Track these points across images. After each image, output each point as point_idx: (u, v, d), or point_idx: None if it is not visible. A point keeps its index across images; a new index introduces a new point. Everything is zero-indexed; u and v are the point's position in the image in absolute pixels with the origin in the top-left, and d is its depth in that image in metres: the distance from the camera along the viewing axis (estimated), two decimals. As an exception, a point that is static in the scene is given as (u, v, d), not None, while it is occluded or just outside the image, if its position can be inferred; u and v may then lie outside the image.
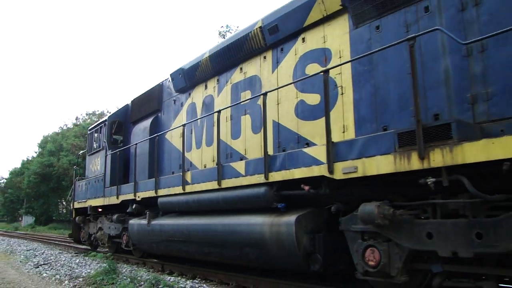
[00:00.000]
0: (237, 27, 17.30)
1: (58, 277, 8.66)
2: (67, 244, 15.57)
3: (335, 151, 4.73)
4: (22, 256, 13.23)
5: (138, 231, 9.06)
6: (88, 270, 9.01)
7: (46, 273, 9.38)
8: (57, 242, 17.22)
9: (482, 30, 4.10)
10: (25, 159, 55.95)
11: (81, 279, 8.06)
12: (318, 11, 5.73)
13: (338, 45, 5.54)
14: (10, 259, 12.65)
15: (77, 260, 10.74)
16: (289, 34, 6.22)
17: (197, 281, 7.07)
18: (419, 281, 4.52)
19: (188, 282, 6.91)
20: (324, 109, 4.89)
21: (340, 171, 4.63)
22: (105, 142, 11.02)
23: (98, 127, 11.74)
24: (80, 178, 12.94)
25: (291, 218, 5.22)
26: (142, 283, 6.91)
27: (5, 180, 62.73)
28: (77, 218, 12.78)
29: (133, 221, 9.28)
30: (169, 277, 7.40)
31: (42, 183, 40.20)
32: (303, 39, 6.06)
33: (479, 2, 4.20)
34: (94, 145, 11.98)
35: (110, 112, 34.29)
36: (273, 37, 6.47)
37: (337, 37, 5.57)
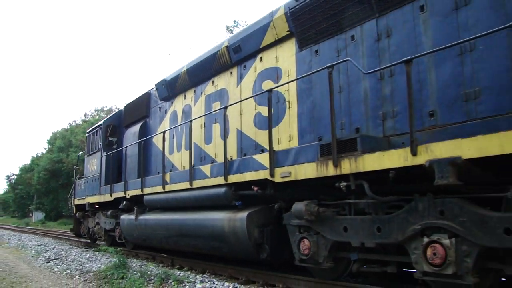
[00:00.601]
0: (245, 21, 17.42)
1: (69, 271, 8.81)
2: (77, 239, 15.48)
3: (275, 159, 5.62)
4: (33, 251, 13.44)
5: (127, 225, 10.04)
6: (99, 265, 9.06)
7: (57, 267, 9.53)
8: (67, 237, 17.31)
9: (391, 58, 4.93)
10: (35, 156, 56.63)
11: (91, 274, 8.18)
12: (271, 35, 6.59)
13: (287, 65, 6.41)
14: (21, 254, 12.98)
15: (87, 255, 10.85)
16: (250, 54, 7.10)
17: (206, 276, 7.11)
18: (343, 267, 5.39)
19: (197, 276, 6.94)
20: (268, 123, 5.77)
21: (279, 175, 5.52)
22: (100, 144, 12.03)
23: (95, 130, 12.75)
24: (80, 177, 13.99)
25: (244, 214, 6.12)
26: (152, 277, 6.96)
27: (15, 177, 63.66)
28: (77, 213, 13.85)
29: (124, 217, 10.26)
30: (178, 272, 7.38)
31: (51, 179, 40.83)
32: (261, 58, 6.94)
33: (390, 35, 5.03)
34: (91, 147, 13.00)
35: (117, 108, 35.14)
36: (237, 55, 7.35)
37: (286, 58, 6.43)
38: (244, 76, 7.29)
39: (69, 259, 10.49)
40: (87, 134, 13.82)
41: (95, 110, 51.03)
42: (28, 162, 58.17)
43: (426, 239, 4.10)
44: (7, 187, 72.49)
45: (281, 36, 6.45)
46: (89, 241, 13.99)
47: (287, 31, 6.30)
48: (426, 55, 4.40)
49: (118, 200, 10.68)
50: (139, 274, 7.23)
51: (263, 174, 5.78)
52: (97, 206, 12.27)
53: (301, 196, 5.48)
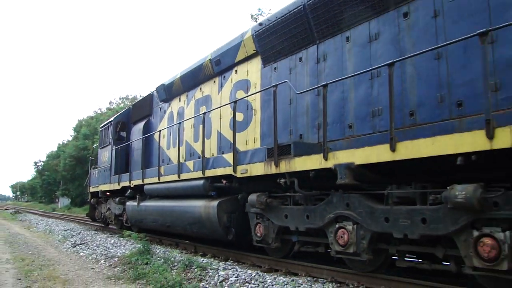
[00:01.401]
0: (270, 10, 17.96)
1: (95, 256, 9.00)
2: (102, 225, 15.72)
3: (238, 158, 6.86)
4: (60, 235, 13.83)
5: (132, 211, 11.52)
6: (123, 251, 9.14)
7: (83, 252, 9.76)
8: (92, 223, 17.41)
9: (326, 78, 6.04)
10: (61, 143, 57.88)
11: (116, 259, 8.29)
12: (242, 52, 7.78)
13: (254, 78, 7.59)
14: (49, 238, 13.40)
15: (112, 241, 10.97)
16: (227, 66, 8.31)
17: (229, 263, 7.16)
18: (288, 247, 6.61)
19: (220, 263, 6.98)
20: (233, 128, 7.01)
21: (240, 171, 6.77)
22: (111, 138, 13.53)
23: (107, 125, 14.27)
24: (95, 167, 15.62)
25: (215, 203, 7.41)
26: (175, 264, 7.04)
27: (42, 163, 65.64)
28: (92, 200, 15.52)
29: (129, 203, 11.75)
30: (201, 259, 7.39)
31: (77, 165, 41.13)
32: (236, 71, 8.14)
33: (325, 59, 6.14)
34: (104, 140, 14.56)
35: (141, 96, 36.10)
36: (218, 67, 8.57)
37: (254, 72, 7.61)
38: (224, 85, 8.52)
39: (95, 244, 10.70)
40: (100, 129, 15.41)
41: (120, 98, 51.96)
42: (55, 149, 59.57)
43: (337, 225, 5.28)
44: (35, 173, 75.57)
45: (249, 53, 7.63)
46: (102, 225, 15.66)
47: (254, 50, 7.47)
48: (348, 78, 5.51)
49: (125, 189, 12.17)
50: (162, 260, 7.34)
51: (229, 170, 7.04)
52: (108, 193, 13.84)
53: (258, 189, 6.71)
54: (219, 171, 7.36)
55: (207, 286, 5.68)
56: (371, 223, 4.86)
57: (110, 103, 52.55)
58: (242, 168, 6.71)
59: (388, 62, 4.57)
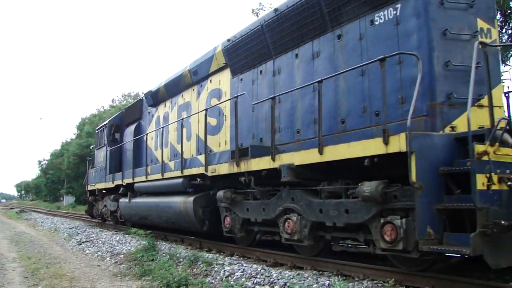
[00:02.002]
0: (271, 4, 17.39)
1: (100, 253, 9.04)
2: (107, 223, 15.72)
3: (209, 159, 7.81)
4: (65, 233, 13.92)
5: (124, 207, 12.51)
6: (129, 247, 9.12)
7: (88, 250, 9.82)
8: (97, 221, 17.18)
9: (280, 89, 6.94)
10: (64, 141, 57.58)
11: (122, 256, 8.33)
12: (215, 64, 8.71)
13: (225, 88, 8.52)
14: (54, 237, 13.52)
15: (118, 238, 11.00)
16: (203, 76, 9.24)
17: (235, 258, 7.18)
18: (251, 237, 7.55)
19: (226, 259, 7.01)
20: (204, 133, 7.95)
21: (210, 171, 7.72)
22: (105, 140, 14.53)
23: (102, 128, 15.27)
24: (92, 167, 16.64)
25: (191, 198, 8.36)
26: (181, 259, 7.07)
27: (46, 162, 65.89)
28: (90, 198, 16.55)
29: (122, 200, 12.74)
30: (207, 254, 7.46)
31: (81, 163, 40.75)
32: (210, 81, 9.07)
33: (280, 72, 7.06)
34: (100, 141, 15.56)
35: (143, 93, 36.72)
36: (195, 77, 9.51)
37: (225, 82, 8.54)
38: (201, 93, 9.45)
39: (100, 242, 10.73)
40: (96, 131, 16.42)
41: (122, 96, 52.37)
42: (59, 147, 59.22)
43: (285, 216, 6.22)
44: (39, 172, 75.82)
45: (221, 65, 8.55)
46: (100, 221, 16.69)
47: (224, 63, 8.40)
48: (297, 89, 6.42)
49: (119, 187, 13.15)
50: (168, 256, 7.37)
51: (201, 170, 8.00)
52: (104, 191, 14.86)
53: (226, 185, 7.65)
54: (194, 171, 8.31)
55: (213, 281, 5.70)
56: (310, 214, 5.79)
57: (112, 100, 52.98)
58: (212, 168, 7.67)
59: (317, 80, 5.49)
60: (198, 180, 8.23)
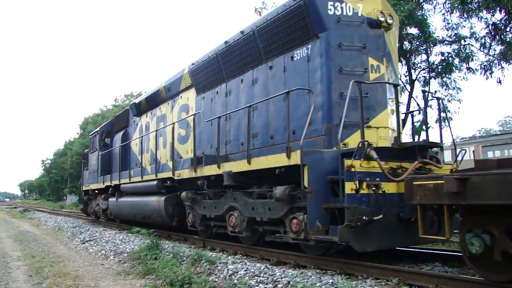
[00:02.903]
0: (274, 3, 17.00)
1: (104, 252, 9.09)
2: (110, 222, 15.70)
3: (175, 165, 9.25)
4: (69, 232, 13.96)
5: (113, 205, 13.98)
6: (132, 246, 9.19)
7: (92, 248, 9.83)
8: (100, 220, 17.22)
9: (230, 108, 8.33)
10: (67, 140, 56.70)
11: (125, 255, 8.38)
12: (184, 83, 10.14)
13: (192, 104, 9.94)
14: (58, 236, 13.52)
15: (121, 237, 11.08)
16: (175, 93, 10.68)
17: (238, 257, 7.26)
18: (210, 230, 8.98)
19: (229, 257, 7.07)
20: (172, 144, 9.38)
21: (176, 175, 9.16)
22: (97, 145, 16.02)
23: (95, 133, 16.76)
24: (86, 169, 18.15)
25: (163, 198, 9.80)
26: (184, 258, 7.11)
27: (49, 161, 65.93)
28: (85, 197, 18.07)
29: (111, 199, 14.21)
30: (210, 253, 7.50)
31: (84, 163, 43.03)
32: (181, 97, 10.50)
33: (230, 94, 8.47)
34: (93, 146, 17.06)
35: (146, 91, 37.48)
36: (169, 93, 10.96)
37: (191, 99, 9.96)
38: (174, 107, 10.89)
39: (103, 241, 10.81)
40: (90, 136, 17.93)
41: (125, 95, 51.99)
42: (62, 147, 59.03)
43: (229, 213, 7.64)
44: (42, 172, 76.17)
45: (188, 85, 9.98)
46: (94, 218, 18.20)
47: (190, 82, 9.83)
48: (241, 109, 7.81)
49: (108, 187, 14.63)
50: (171, 255, 7.42)
51: (170, 174, 9.43)
52: (96, 191, 16.35)
53: (191, 188, 9.07)
54: (165, 174, 9.76)
55: (217, 280, 5.73)
56: (246, 211, 7.20)
57: (115, 100, 52.84)
58: (178, 173, 9.10)
59: (247, 105, 6.90)
60: (168, 182, 9.66)
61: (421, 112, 13.07)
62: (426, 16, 13.73)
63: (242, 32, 7.86)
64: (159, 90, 11.52)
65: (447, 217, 4.38)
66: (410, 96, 15.04)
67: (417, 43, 14.48)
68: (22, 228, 17.00)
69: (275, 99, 7.05)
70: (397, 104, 6.09)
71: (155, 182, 10.30)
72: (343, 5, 6.37)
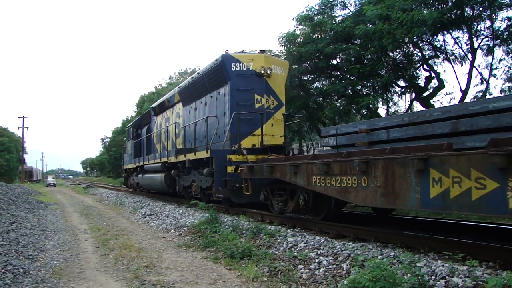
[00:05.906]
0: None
1: (165, 226, 9.31)
2: (170, 197, 16.19)
3: (169, 153, 14.58)
4: (130, 207, 14.82)
5: (140, 180, 19.77)
6: (192, 220, 9.36)
7: (153, 222, 10.13)
8: (159, 195, 17.72)
9: (196, 118, 13.38)
10: (125, 119, 57.81)
11: (185, 228, 8.51)
12: (176, 98, 15.33)
13: (181, 113, 15.09)
14: (120, 210, 14.46)
15: (180, 211, 11.47)
16: (173, 104, 15.92)
17: (297, 230, 7.20)
18: (188, 195, 14.22)
19: (288, 230, 7.03)
20: (171, 138, 14.69)
21: (169, 160, 14.48)
22: (131, 135, 21.88)
23: (130, 127, 22.64)
24: (125, 153, 24.27)
25: (163, 174, 15.19)
26: (244, 231, 7.15)
27: (109, 139, 68.00)
28: (124, 174, 24.27)
29: (139, 176, 20.00)
30: (269, 226, 7.46)
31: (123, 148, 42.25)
32: (176, 107, 15.70)
33: (197, 109, 13.52)
34: (128, 136, 23.01)
35: (199, 68, 42.40)
36: (169, 103, 16.23)
37: (181, 109, 15.10)
38: (173, 113, 16.14)
39: (164, 215, 11.15)
40: (127, 128, 23.92)
41: (179, 73, 54.44)
42: (120, 125, 60.22)
43: (193, 184, 12.79)
44: (102, 150, 78.75)
45: (178, 100, 15.15)
46: (131, 190, 24.29)
47: (179, 99, 14.98)
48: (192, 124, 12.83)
49: (138, 167, 20.43)
50: (231, 228, 7.49)
51: (166, 159, 14.76)
52: (132, 170, 22.33)
53: (177, 168, 14.30)
54: (164, 159, 15.12)
55: (277, 252, 5.79)
56: (198, 182, 12.30)
57: (170, 77, 54.76)
58: (170, 158, 14.39)
59: (193, 122, 11.93)
60: (166, 164, 15.03)
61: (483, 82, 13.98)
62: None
63: (198, 73, 12.82)
64: (164, 100, 16.88)
65: (250, 185, 9.18)
66: (472, 65, 13.74)
67: (480, 8, 12.94)
68: (86, 203, 18.44)
69: (203, 120, 12.00)
70: (262, 121, 10.66)
71: (160, 164, 15.71)
72: (240, 64, 11.05)
